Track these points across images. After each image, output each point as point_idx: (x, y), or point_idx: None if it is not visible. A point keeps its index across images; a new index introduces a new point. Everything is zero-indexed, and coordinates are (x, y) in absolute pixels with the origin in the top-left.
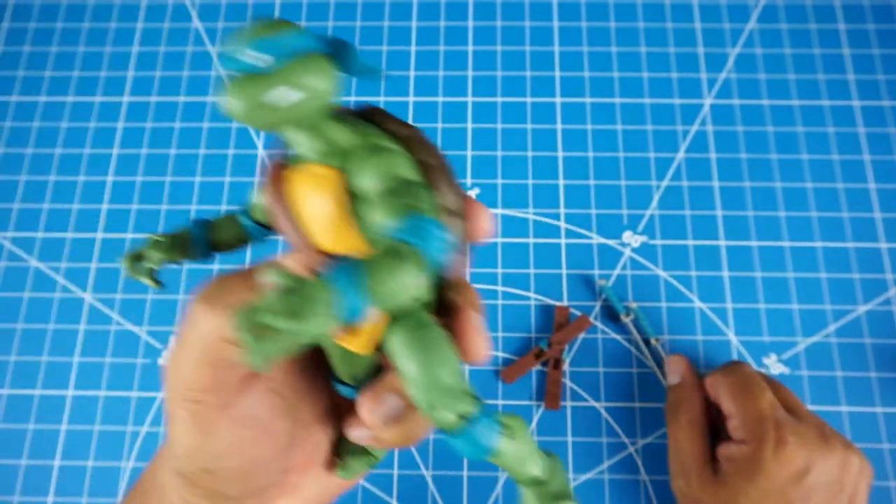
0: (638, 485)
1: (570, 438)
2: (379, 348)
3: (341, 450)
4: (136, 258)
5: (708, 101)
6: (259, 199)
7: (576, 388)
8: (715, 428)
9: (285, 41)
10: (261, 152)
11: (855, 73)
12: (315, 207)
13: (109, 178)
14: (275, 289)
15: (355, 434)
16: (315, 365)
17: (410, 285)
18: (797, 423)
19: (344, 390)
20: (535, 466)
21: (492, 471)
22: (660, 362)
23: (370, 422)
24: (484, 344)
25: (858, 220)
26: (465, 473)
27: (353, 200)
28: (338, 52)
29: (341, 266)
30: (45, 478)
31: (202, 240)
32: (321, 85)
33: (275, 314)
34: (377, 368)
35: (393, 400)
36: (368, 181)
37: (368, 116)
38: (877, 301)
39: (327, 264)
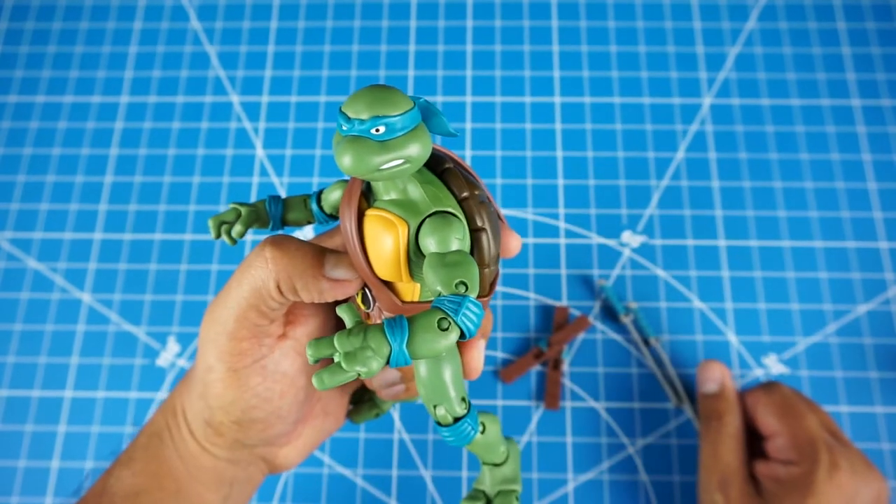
0: (637, 485)
1: (569, 439)
2: None
3: (353, 400)
4: (222, 222)
5: (707, 101)
6: (331, 195)
7: (575, 388)
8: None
9: (399, 118)
10: (259, 153)
11: (855, 72)
12: (380, 243)
13: (108, 179)
14: (345, 330)
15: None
16: (336, 328)
17: (441, 349)
18: (844, 448)
19: None
20: (496, 455)
21: None
22: (660, 362)
23: (370, 386)
24: (481, 366)
25: (858, 220)
26: (463, 474)
27: (410, 247)
28: (427, 116)
29: (396, 323)
30: (43, 479)
31: (276, 214)
32: (420, 154)
33: (339, 354)
34: None
35: (390, 374)
36: (430, 242)
37: (439, 171)
38: (877, 301)
39: (388, 315)
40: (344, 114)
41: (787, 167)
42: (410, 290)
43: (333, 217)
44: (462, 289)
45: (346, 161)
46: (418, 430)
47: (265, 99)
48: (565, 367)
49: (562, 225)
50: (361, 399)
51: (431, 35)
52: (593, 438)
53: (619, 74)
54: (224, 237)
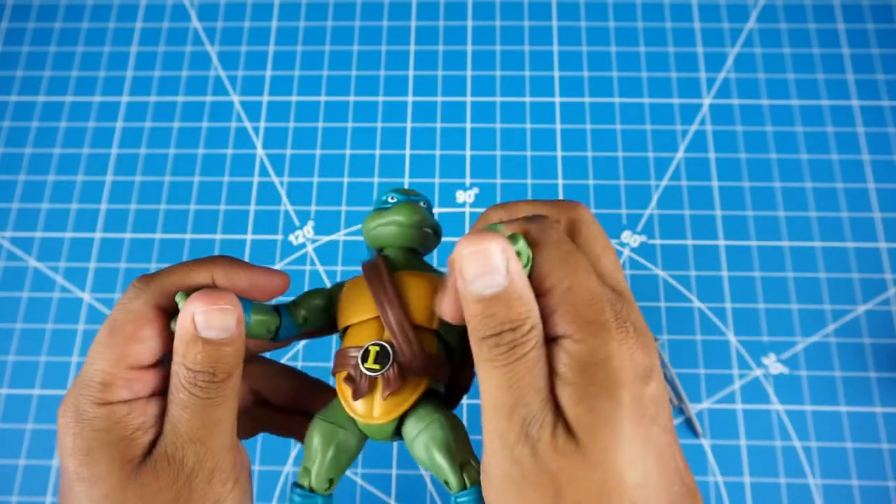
0: None
1: None
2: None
3: None
4: None
5: (707, 101)
6: (313, 301)
7: None
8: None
9: (425, 197)
10: (259, 152)
11: (854, 72)
12: (424, 293)
13: (108, 178)
14: None
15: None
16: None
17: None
18: (625, 302)
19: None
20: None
21: None
22: (661, 362)
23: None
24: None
25: (858, 220)
26: None
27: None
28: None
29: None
30: (44, 478)
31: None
32: (439, 231)
33: None
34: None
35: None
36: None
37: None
38: (876, 301)
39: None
40: (396, 191)
41: (786, 167)
42: (430, 340)
43: (305, 330)
44: None
45: (407, 213)
46: None
47: (265, 98)
48: None
49: None
50: None
51: (431, 35)
52: None
53: (619, 74)
54: None
